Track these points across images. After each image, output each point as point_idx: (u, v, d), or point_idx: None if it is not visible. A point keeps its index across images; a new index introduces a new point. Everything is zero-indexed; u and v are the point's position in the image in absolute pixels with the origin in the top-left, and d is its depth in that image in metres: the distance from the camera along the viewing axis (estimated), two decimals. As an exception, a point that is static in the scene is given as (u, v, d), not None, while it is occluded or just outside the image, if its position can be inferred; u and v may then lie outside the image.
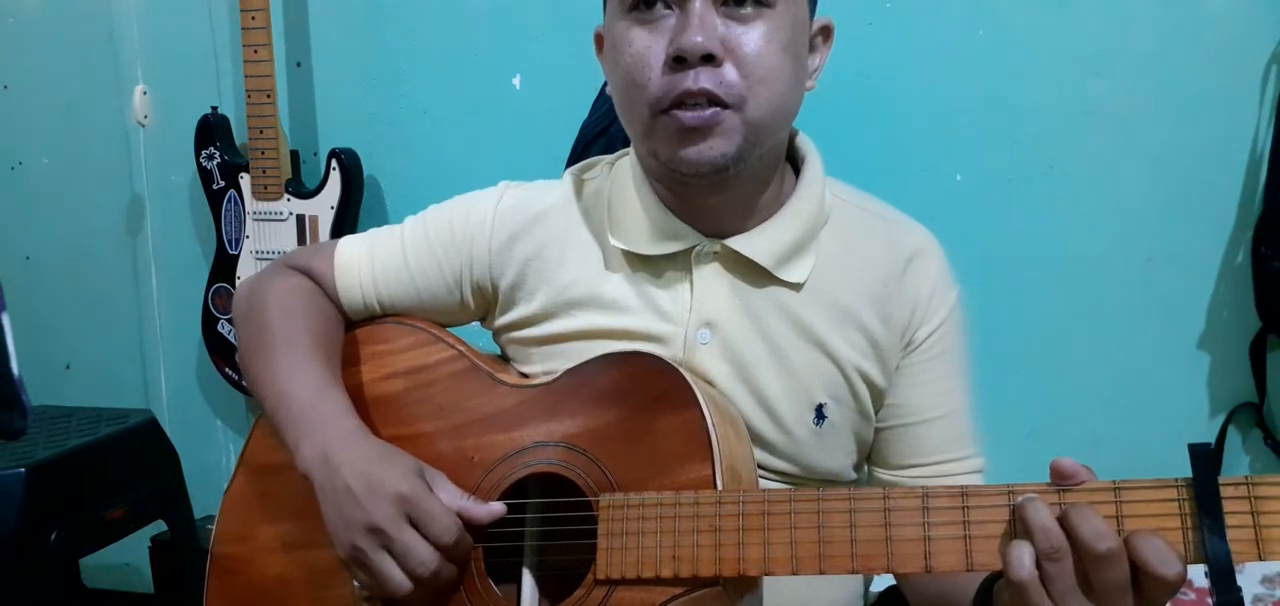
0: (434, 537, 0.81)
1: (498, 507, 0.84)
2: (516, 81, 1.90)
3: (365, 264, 0.99)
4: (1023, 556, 0.66)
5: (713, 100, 0.81)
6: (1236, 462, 1.69)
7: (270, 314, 0.96)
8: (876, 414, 0.93)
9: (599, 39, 0.93)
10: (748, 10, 0.81)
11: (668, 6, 0.82)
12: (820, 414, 0.89)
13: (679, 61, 0.80)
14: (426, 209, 1.01)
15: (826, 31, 0.92)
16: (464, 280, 0.97)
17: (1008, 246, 1.70)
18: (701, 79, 0.80)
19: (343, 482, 0.82)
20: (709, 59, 0.80)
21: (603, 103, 1.64)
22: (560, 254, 0.94)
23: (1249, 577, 1.50)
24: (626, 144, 0.96)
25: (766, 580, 0.81)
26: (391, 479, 0.82)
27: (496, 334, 1.00)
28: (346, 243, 1.01)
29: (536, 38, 1.87)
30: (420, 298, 0.98)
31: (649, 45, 0.82)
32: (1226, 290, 1.65)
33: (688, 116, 0.81)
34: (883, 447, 0.95)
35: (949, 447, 0.92)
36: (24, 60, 2.15)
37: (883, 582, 1.03)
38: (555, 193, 0.97)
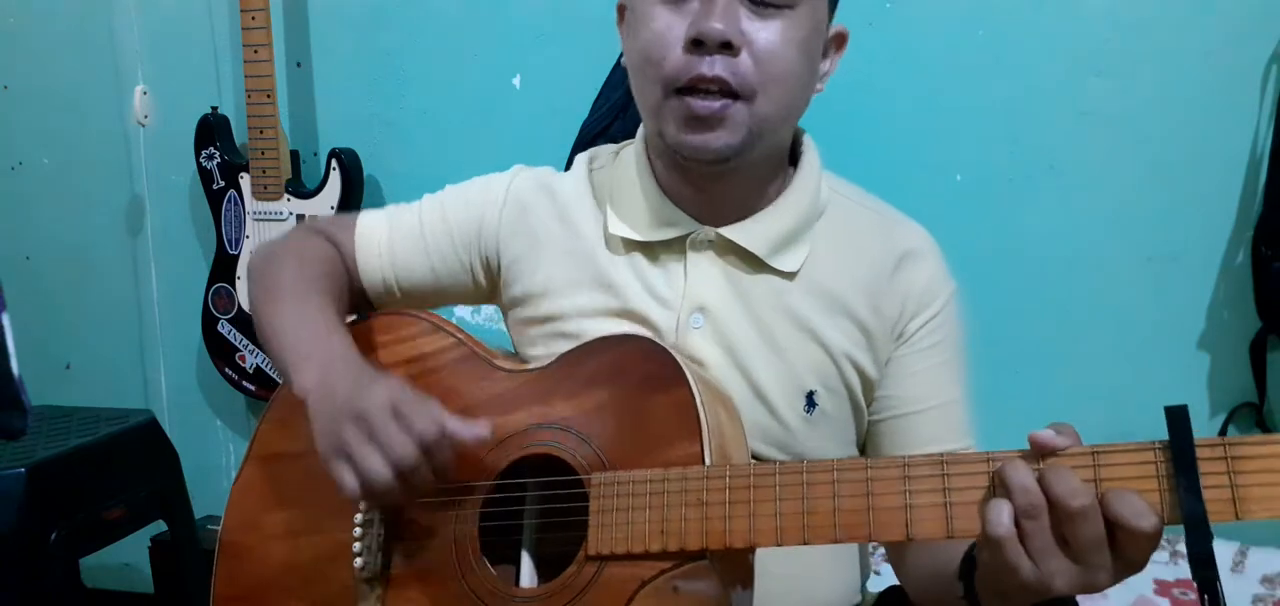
0: (417, 433, 0.80)
1: (483, 430, 0.83)
2: (516, 81, 1.91)
3: (383, 236, 1.02)
4: (1001, 514, 0.67)
5: (725, 90, 0.82)
6: (1236, 463, 1.68)
7: (288, 266, 0.98)
8: (868, 406, 0.94)
9: (621, 10, 0.94)
10: (770, 6, 0.83)
11: None
12: (811, 401, 0.90)
13: (697, 44, 0.82)
14: (444, 188, 1.04)
15: (840, 39, 0.93)
16: (474, 253, 1.00)
17: (1008, 246, 1.71)
18: (717, 65, 0.82)
19: (335, 383, 0.83)
20: (727, 47, 0.81)
21: (603, 102, 1.64)
22: (563, 233, 0.96)
23: (1249, 577, 1.49)
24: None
25: (760, 575, 0.82)
26: (384, 378, 0.83)
27: (505, 311, 1.02)
28: (366, 215, 1.05)
29: (536, 38, 1.88)
30: (434, 271, 1.01)
31: (669, 24, 0.84)
32: (1226, 290, 1.65)
33: (699, 105, 0.83)
34: (877, 440, 0.96)
35: (942, 439, 0.93)
36: (24, 60, 2.15)
37: (880, 584, 1.03)
38: (567, 179, 1.01)
